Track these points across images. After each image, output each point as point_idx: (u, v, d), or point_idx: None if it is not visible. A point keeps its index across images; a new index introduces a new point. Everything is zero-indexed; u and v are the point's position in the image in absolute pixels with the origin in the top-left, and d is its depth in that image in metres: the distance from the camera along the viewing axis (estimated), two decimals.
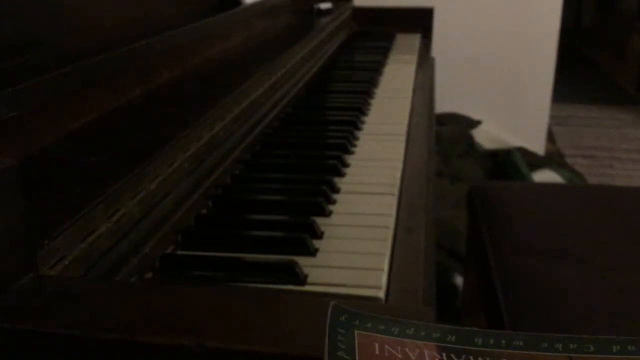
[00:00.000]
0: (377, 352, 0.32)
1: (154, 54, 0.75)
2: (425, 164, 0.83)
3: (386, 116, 1.01)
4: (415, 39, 1.71)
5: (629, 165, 2.61)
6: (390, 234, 0.60)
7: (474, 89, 2.45)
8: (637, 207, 1.06)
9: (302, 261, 0.53)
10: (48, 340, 0.36)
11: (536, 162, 2.20)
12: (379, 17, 1.88)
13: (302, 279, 0.51)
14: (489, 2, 2.38)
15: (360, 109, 1.01)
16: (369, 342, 0.33)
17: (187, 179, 0.62)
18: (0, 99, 0.48)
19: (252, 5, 1.12)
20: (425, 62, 1.50)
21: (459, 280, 1.44)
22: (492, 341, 0.33)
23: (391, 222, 0.62)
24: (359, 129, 0.93)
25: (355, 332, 0.33)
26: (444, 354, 0.32)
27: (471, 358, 0.32)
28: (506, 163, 2.15)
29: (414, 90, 1.18)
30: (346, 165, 0.78)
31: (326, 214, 0.64)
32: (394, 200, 0.68)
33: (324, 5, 1.60)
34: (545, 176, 2.10)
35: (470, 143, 2.24)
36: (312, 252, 0.56)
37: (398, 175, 0.74)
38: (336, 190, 0.70)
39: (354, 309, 0.35)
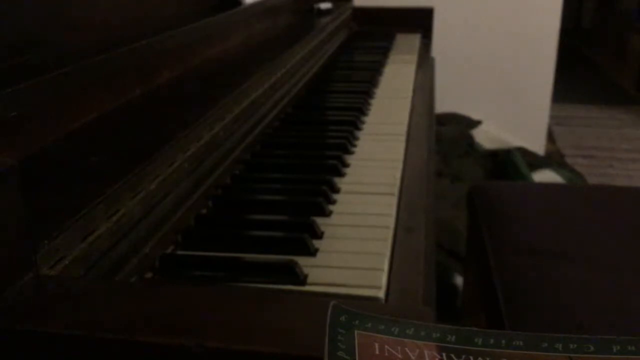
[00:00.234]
0: (377, 352, 0.32)
1: (154, 54, 0.75)
2: (425, 164, 0.83)
3: (386, 116, 1.01)
4: (415, 39, 1.71)
5: (629, 165, 2.61)
6: (390, 234, 0.60)
7: (474, 89, 2.45)
8: (637, 207, 1.06)
9: (302, 261, 0.53)
10: (48, 340, 0.36)
11: (536, 162, 2.20)
12: (379, 17, 1.88)
13: (302, 279, 0.51)
14: (489, 2, 2.38)
15: (360, 109, 1.01)
16: (369, 342, 0.33)
17: (187, 179, 0.62)
18: (0, 99, 0.48)
19: (252, 5, 1.12)
20: (425, 62, 1.50)
21: (459, 280, 1.44)
22: (492, 341, 0.33)
23: (391, 222, 0.62)
24: (359, 129, 0.93)
25: (355, 332, 0.33)
26: (444, 354, 0.32)
27: (471, 358, 0.32)
28: (506, 163, 2.15)
29: (414, 90, 1.18)
30: (346, 165, 0.78)
31: (326, 214, 0.64)
32: (394, 200, 0.68)
33: (324, 5, 1.60)
34: (545, 176, 2.10)
35: (470, 143, 2.24)
36: (312, 252, 0.56)
37: (398, 175, 0.74)
38: (336, 190, 0.70)
39: (354, 309, 0.35)
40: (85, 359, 0.36)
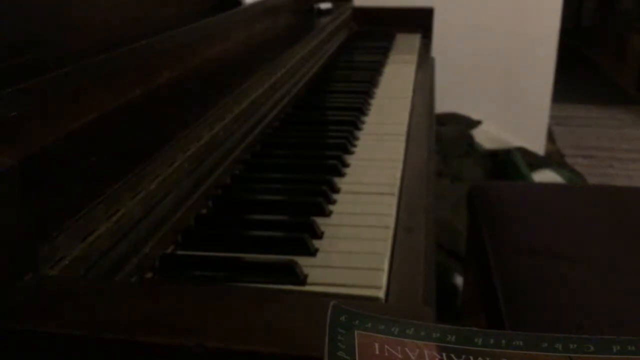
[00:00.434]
0: (377, 352, 0.32)
1: (154, 54, 0.75)
2: (425, 164, 0.83)
3: (386, 116, 1.01)
4: (415, 39, 1.71)
5: (629, 165, 2.61)
6: (390, 234, 0.60)
7: (474, 89, 2.45)
8: (637, 207, 1.06)
9: (302, 261, 0.53)
10: (48, 340, 0.36)
11: (536, 162, 2.20)
12: (379, 17, 1.88)
13: (302, 279, 0.51)
14: (489, 2, 2.38)
15: (360, 109, 1.01)
16: (369, 342, 0.33)
17: (187, 179, 0.62)
18: (0, 99, 0.48)
19: (252, 5, 1.12)
20: (425, 62, 1.50)
21: (459, 280, 1.44)
22: (492, 341, 0.33)
23: (391, 222, 0.62)
24: (359, 129, 0.93)
25: (355, 332, 0.33)
26: (444, 354, 0.32)
27: (471, 358, 0.32)
28: (506, 163, 2.15)
29: (414, 90, 1.18)
30: (346, 165, 0.78)
31: (326, 214, 0.64)
32: (394, 200, 0.68)
33: (324, 5, 1.60)
34: (545, 176, 2.10)
35: (470, 143, 2.24)
36: (312, 252, 0.56)
37: (398, 175, 0.74)
38: (336, 190, 0.70)
39: (354, 309, 0.35)
40: (85, 359, 0.36)
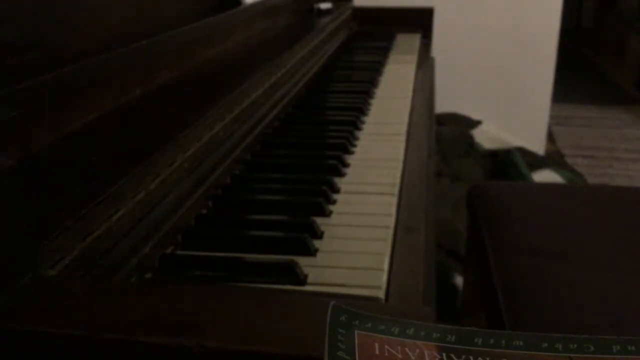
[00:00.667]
0: (377, 352, 0.32)
1: (154, 54, 0.75)
2: (425, 164, 0.83)
3: (386, 116, 1.01)
4: (415, 39, 1.71)
5: (629, 165, 2.61)
6: (390, 234, 0.60)
7: (474, 89, 2.45)
8: (637, 207, 1.06)
9: (302, 261, 0.53)
10: (48, 340, 0.36)
11: (536, 162, 2.21)
12: (379, 17, 1.88)
13: (302, 279, 0.51)
14: (489, 2, 2.38)
15: (360, 109, 1.01)
16: (369, 342, 0.33)
17: (187, 179, 0.62)
18: (0, 99, 0.48)
19: (252, 5, 1.12)
20: (425, 62, 1.50)
21: (459, 280, 1.45)
22: (492, 341, 0.33)
23: (391, 222, 0.62)
24: (359, 129, 0.93)
25: (355, 332, 0.33)
26: (444, 354, 0.32)
27: (471, 358, 0.32)
28: (506, 163, 2.15)
29: (414, 90, 1.18)
30: (346, 165, 0.78)
31: (326, 214, 0.64)
32: (394, 200, 0.68)
33: (324, 5, 1.60)
34: (545, 176, 2.10)
35: (470, 143, 2.24)
36: (312, 252, 0.56)
37: (398, 175, 0.74)
38: (336, 190, 0.70)
39: (354, 309, 0.35)
40: (85, 359, 0.36)
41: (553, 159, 2.48)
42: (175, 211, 0.58)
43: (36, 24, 0.61)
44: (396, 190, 0.70)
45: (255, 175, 0.76)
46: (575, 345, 0.33)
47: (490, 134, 2.35)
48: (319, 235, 0.59)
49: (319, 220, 0.61)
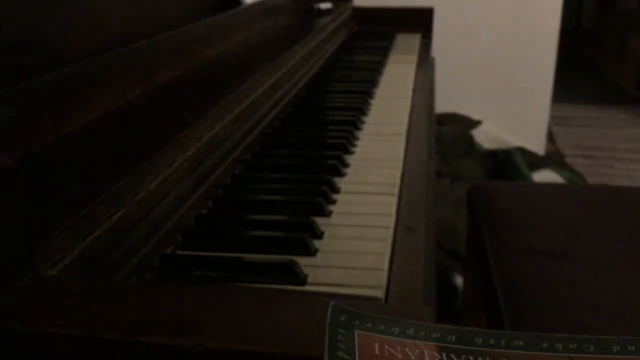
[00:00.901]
0: (377, 352, 0.32)
1: (154, 54, 0.75)
2: (425, 164, 0.83)
3: (386, 116, 1.01)
4: (415, 39, 1.71)
5: (629, 165, 2.61)
6: (390, 234, 0.60)
7: (474, 89, 2.45)
8: (637, 207, 1.06)
9: (302, 261, 0.53)
10: (48, 340, 0.36)
11: (536, 162, 2.21)
12: (379, 17, 1.88)
13: (302, 279, 0.51)
14: (489, 2, 2.38)
15: (360, 109, 1.01)
16: (369, 342, 0.33)
17: (187, 179, 0.62)
18: (0, 99, 0.48)
19: (252, 5, 1.12)
20: (425, 62, 1.50)
21: (459, 280, 1.45)
22: (492, 341, 0.33)
23: (391, 222, 0.62)
24: (359, 129, 0.93)
25: (355, 332, 0.33)
26: (444, 354, 0.32)
27: (471, 358, 0.32)
28: (506, 163, 2.15)
29: (414, 90, 1.18)
30: (346, 165, 0.78)
31: (326, 214, 0.64)
32: (394, 200, 0.68)
33: (324, 5, 1.60)
34: (545, 176, 2.10)
35: (470, 143, 2.24)
36: (312, 252, 0.56)
37: (398, 175, 0.74)
38: (336, 190, 0.70)
39: (354, 309, 0.35)
40: (85, 359, 0.36)
41: (553, 159, 2.48)
42: (175, 211, 0.58)
43: (36, 24, 0.61)
44: (396, 190, 0.70)
45: (255, 175, 0.76)
46: (575, 345, 0.33)
47: (490, 134, 2.35)
48: (319, 235, 0.59)
49: (319, 220, 0.61)
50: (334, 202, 0.67)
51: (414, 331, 0.33)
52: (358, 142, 0.87)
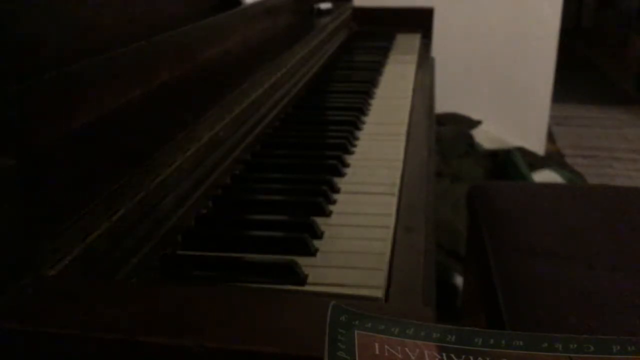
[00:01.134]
0: (377, 352, 0.32)
1: (154, 54, 0.75)
2: (425, 164, 0.83)
3: (386, 116, 1.01)
4: (415, 39, 1.71)
5: (629, 165, 2.61)
6: (390, 234, 0.60)
7: (474, 89, 2.45)
8: (637, 207, 1.06)
9: (302, 261, 0.53)
10: (48, 340, 0.36)
11: (536, 162, 2.20)
12: (379, 17, 1.88)
13: (302, 279, 0.51)
14: (489, 2, 2.38)
15: (360, 109, 1.01)
16: (369, 342, 0.33)
17: (187, 179, 0.62)
18: (1, 99, 0.48)
19: (252, 5, 1.12)
20: (425, 62, 1.50)
21: (459, 280, 1.45)
22: (492, 341, 0.33)
23: (391, 222, 0.62)
24: (359, 129, 0.93)
25: (355, 332, 0.33)
26: (444, 354, 0.32)
27: (471, 358, 0.32)
28: (506, 163, 2.15)
29: (414, 90, 1.18)
30: (346, 165, 0.78)
31: (326, 214, 0.64)
32: (394, 200, 0.68)
33: (324, 5, 1.60)
34: (545, 176, 2.10)
35: (470, 143, 2.24)
36: (312, 252, 0.56)
37: (398, 175, 0.74)
38: (336, 190, 0.70)
39: (354, 309, 0.35)
40: (86, 359, 0.36)
41: (553, 159, 2.48)
42: (175, 211, 0.58)
43: (36, 24, 0.61)
44: (396, 190, 0.70)
45: (255, 175, 0.76)
46: (575, 345, 0.33)
47: (490, 134, 2.35)
48: (319, 235, 0.59)
49: (319, 220, 0.61)
50: (334, 202, 0.67)
51: (414, 331, 0.33)
52: (358, 142, 0.87)
